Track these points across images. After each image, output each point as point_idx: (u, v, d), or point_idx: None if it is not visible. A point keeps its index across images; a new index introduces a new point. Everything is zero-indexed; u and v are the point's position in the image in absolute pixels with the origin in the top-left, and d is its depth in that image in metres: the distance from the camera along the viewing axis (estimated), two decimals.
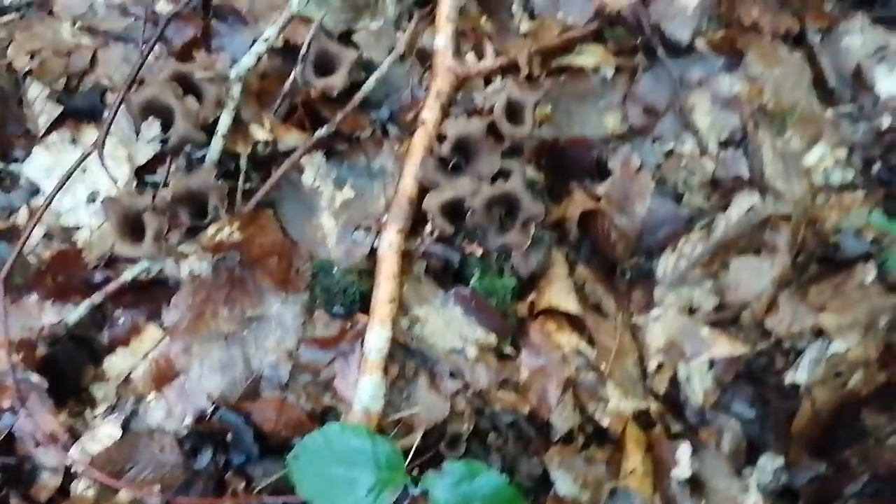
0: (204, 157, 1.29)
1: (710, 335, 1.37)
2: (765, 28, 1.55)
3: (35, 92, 1.34)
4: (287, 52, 1.38)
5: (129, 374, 1.27)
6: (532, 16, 1.60)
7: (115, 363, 1.27)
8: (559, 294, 1.33)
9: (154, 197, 1.17)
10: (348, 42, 1.42)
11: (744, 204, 1.40)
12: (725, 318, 1.39)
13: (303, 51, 1.31)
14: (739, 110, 1.48)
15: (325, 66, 1.31)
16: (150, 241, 1.15)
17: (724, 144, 1.47)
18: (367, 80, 1.36)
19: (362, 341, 1.26)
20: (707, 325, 1.38)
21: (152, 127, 1.19)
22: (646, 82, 1.52)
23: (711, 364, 1.36)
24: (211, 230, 1.21)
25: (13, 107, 1.34)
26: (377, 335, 1.24)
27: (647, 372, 1.37)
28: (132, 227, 1.18)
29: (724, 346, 1.36)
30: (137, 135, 1.22)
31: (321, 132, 1.30)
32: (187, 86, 1.26)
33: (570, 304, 1.32)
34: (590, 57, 1.53)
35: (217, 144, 1.27)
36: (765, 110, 1.48)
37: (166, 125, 1.19)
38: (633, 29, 1.55)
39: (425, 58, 1.46)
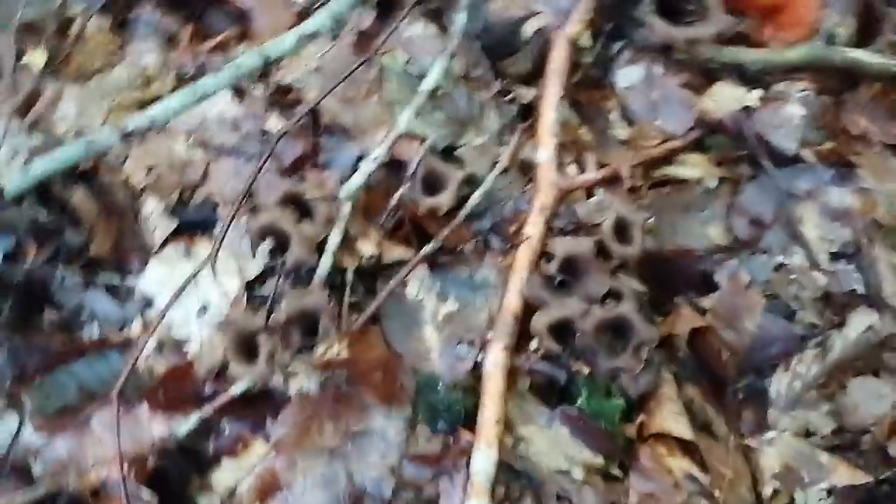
0: (309, 271, 1.31)
1: (829, 461, 1.30)
2: (874, 138, 1.52)
3: (150, 206, 1.39)
4: (392, 166, 1.41)
5: (235, 486, 1.27)
6: (630, 123, 1.60)
7: (221, 475, 1.28)
8: (670, 418, 1.29)
9: (268, 317, 1.19)
10: (452, 157, 1.44)
11: (861, 323, 1.34)
12: (844, 443, 1.32)
13: (410, 169, 1.33)
14: (851, 223, 1.43)
15: (432, 184, 1.33)
16: (263, 362, 1.16)
17: (835, 257, 1.43)
18: (472, 196, 1.37)
19: (467, 460, 1.25)
20: (825, 451, 1.31)
21: (267, 249, 1.21)
22: (751, 193, 1.50)
23: (830, 492, 1.30)
24: (320, 349, 1.21)
25: (130, 221, 1.38)
26: (484, 457, 1.21)
27: (762, 498, 1.31)
28: (246, 347, 1.19)
29: (845, 474, 1.29)
30: (253, 255, 1.25)
31: (427, 249, 1.31)
32: (299, 205, 1.29)
33: (682, 429, 1.27)
34: (692, 168, 1.51)
35: (327, 262, 1.29)
36: (879, 224, 1.43)
37: (280, 246, 1.21)
38: (736, 138, 1.53)
39: (526, 169, 1.47)
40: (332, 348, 1.22)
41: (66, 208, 1.32)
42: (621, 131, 1.58)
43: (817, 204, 1.48)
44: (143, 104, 1.50)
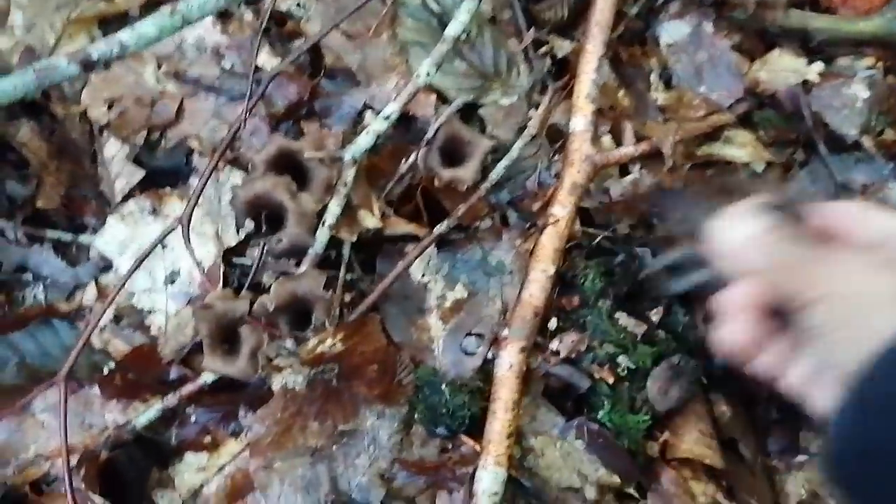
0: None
1: None
2: None
3: (112, 150, 1.16)
4: (403, 123, 1.20)
5: (201, 486, 1.11)
6: (668, 85, 1.40)
7: (185, 472, 1.11)
8: (699, 441, 1.15)
9: (252, 302, 1.00)
10: (473, 116, 1.24)
11: None
12: None
13: (429, 133, 1.12)
14: None
15: (452, 152, 1.12)
16: (245, 358, 0.98)
17: None
18: (496, 167, 1.17)
19: (468, 472, 1.10)
20: None
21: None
22: (802, 181, 1.33)
23: None
24: (312, 342, 1.03)
25: (86, 167, 1.16)
26: (492, 477, 1.06)
27: None
28: (224, 336, 1.00)
29: None
30: (238, 231, 1.04)
31: (441, 228, 1.12)
32: (294, 166, 1.08)
33: (711, 455, 1.14)
34: (740, 148, 1.33)
35: (323, 237, 1.09)
36: None
37: (272, 219, 1.01)
38: (789, 117, 1.35)
39: (555, 136, 1.27)
40: (326, 341, 1.04)
41: (8, 147, 1.09)
42: (661, 96, 1.38)
43: (873, 199, 1.32)
44: (106, 21, 1.26)
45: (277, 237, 0.98)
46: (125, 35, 1.02)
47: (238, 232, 1.08)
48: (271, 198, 0.98)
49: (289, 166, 1.09)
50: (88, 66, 1.01)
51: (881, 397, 0.53)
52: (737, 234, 0.67)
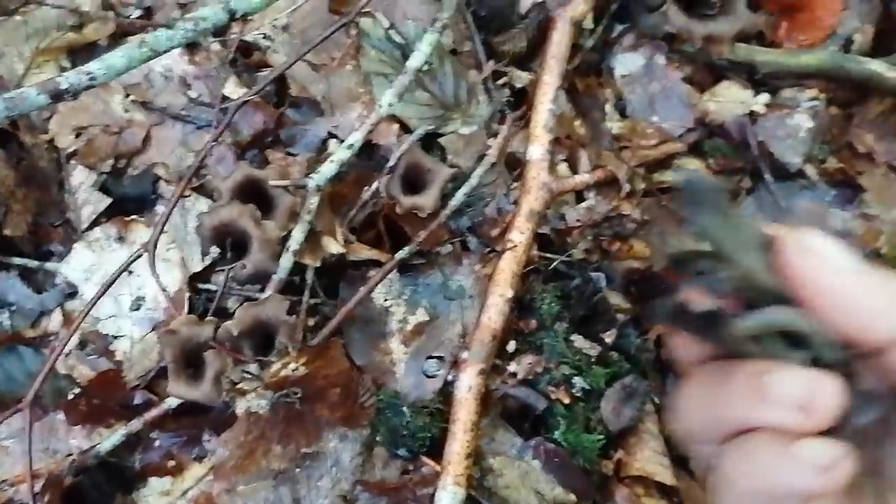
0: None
1: None
2: (880, 158, 1.41)
3: (79, 178, 1.18)
4: (367, 151, 1.23)
5: None
6: (623, 115, 1.45)
7: (148, 499, 1.12)
8: (652, 459, 1.19)
9: (216, 328, 1.02)
10: (434, 145, 1.27)
11: None
12: None
13: (391, 161, 1.15)
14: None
15: (414, 180, 1.16)
16: (209, 382, 1.00)
17: None
18: (456, 195, 1.21)
19: (427, 493, 1.13)
20: None
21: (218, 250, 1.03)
22: (748, 207, 1.38)
23: None
24: (276, 366, 1.05)
25: (53, 193, 1.17)
26: (451, 496, 1.09)
27: None
28: (189, 361, 1.02)
29: None
30: (204, 257, 1.07)
31: (402, 253, 1.16)
32: (259, 194, 1.11)
33: (664, 473, 1.18)
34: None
35: (287, 262, 1.11)
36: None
37: (236, 245, 1.04)
38: (737, 146, 1.41)
39: (514, 164, 1.31)
40: (289, 365, 1.06)
41: None
42: (616, 125, 1.43)
43: (817, 226, 1.37)
44: (75, 50, 1.28)
45: (242, 263, 1.01)
46: (94, 66, 1.04)
47: (203, 258, 1.10)
48: (236, 225, 1.01)
49: (254, 194, 1.11)
50: (57, 96, 1.03)
51: None
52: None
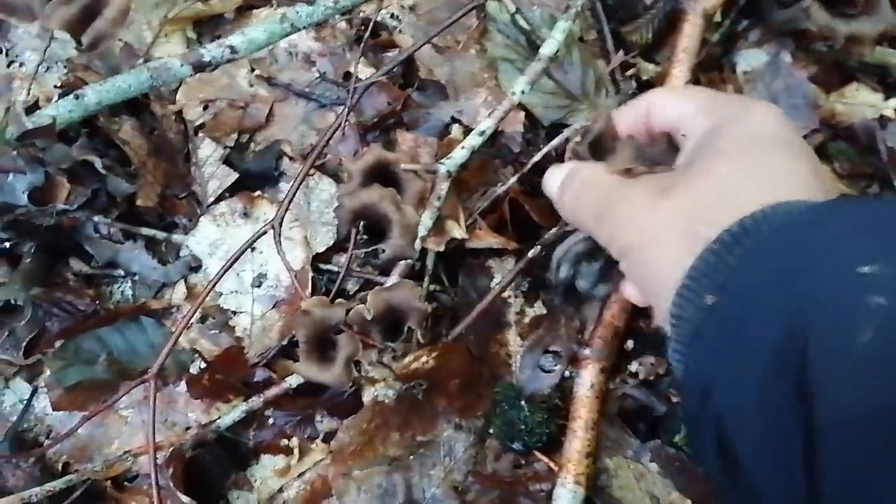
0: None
1: None
2: None
3: (207, 151, 1.17)
4: (493, 137, 1.20)
5: (280, 489, 1.12)
6: None
7: (262, 475, 1.12)
8: None
9: (348, 311, 1.00)
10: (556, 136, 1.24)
11: None
12: None
13: (518, 147, 1.13)
14: None
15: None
16: (341, 366, 0.98)
17: None
18: None
19: (541, 489, 1.11)
20: None
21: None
22: None
23: None
24: (407, 358, 1.04)
25: (180, 165, 1.16)
26: (571, 495, 1.07)
27: None
28: (320, 344, 1.01)
29: None
30: (341, 239, 1.05)
31: (534, 252, 1.13)
32: (387, 177, 1.08)
33: None
34: None
35: (416, 248, 1.09)
36: None
37: (370, 231, 1.01)
38: (864, 150, 1.36)
39: None
40: (420, 358, 1.05)
41: (111, 144, 1.10)
42: None
43: None
44: (201, 21, 1.27)
45: (381, 248, 0.98)
46: (236, 39, 1.03)
47: (340, 239, 1.08)
48: (377, 209, 0.98)
49: (382, 176, 1.09)
50: (199, 67, 1.02)
51: (688, 338, 0.57)
52: (550, 187, 0.78)
